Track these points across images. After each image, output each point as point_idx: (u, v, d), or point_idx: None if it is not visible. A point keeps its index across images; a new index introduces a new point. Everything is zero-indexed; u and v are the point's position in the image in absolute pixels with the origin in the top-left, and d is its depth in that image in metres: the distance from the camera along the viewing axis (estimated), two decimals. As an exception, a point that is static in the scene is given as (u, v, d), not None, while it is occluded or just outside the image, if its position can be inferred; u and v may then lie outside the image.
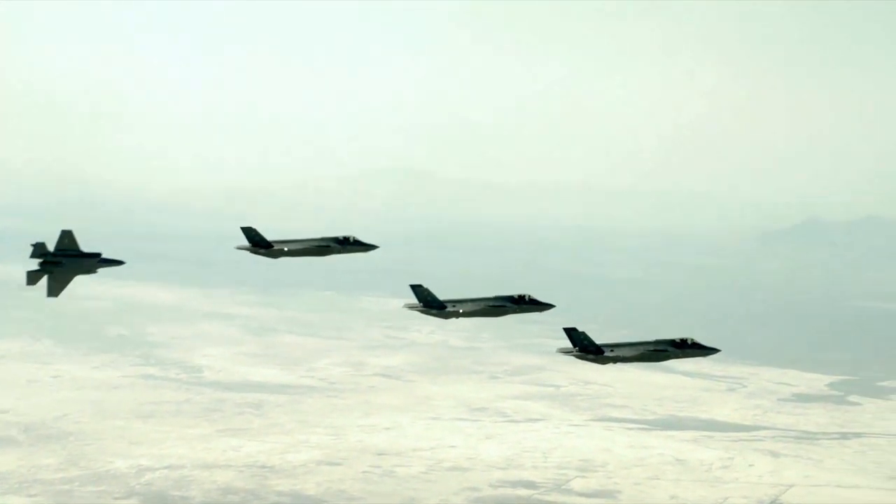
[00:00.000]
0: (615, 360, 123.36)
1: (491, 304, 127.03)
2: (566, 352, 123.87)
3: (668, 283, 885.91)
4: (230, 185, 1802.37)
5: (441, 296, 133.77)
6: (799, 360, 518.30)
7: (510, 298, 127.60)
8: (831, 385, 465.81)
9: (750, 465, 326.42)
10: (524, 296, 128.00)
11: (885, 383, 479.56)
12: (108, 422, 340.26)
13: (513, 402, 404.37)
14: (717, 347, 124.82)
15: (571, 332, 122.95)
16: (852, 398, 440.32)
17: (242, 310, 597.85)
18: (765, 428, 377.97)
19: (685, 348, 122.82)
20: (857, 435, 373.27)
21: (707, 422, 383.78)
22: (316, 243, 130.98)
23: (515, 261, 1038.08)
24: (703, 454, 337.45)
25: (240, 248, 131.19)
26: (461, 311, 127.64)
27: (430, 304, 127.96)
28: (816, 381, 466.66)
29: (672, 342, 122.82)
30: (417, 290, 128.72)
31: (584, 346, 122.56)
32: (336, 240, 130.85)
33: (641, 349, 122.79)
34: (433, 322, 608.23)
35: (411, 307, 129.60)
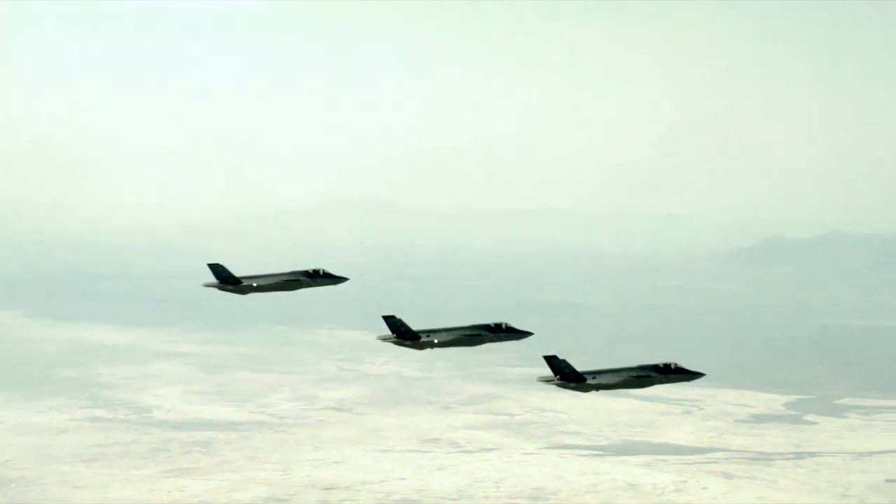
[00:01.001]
0: (598, 387, 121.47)
1: (467, 333, 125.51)
2: (547, 380, 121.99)
3: (631, 307, 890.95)
4: (186, 221, 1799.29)
5: (413, 326, 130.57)
6: (757, 381, 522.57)
7: (487, 327, 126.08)
8: (788, 405, 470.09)
9: (703, 488, 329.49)
10: (501, 324, 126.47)
11: (842, 401, 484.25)
12: (52, 467, 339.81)
13: (465, 432, 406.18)
14: (702, 371, 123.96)
15: (552, 361, 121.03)
16: (809, 417, 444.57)
17: (194, 347, 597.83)
18: (719, 450, 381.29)
19: (669, 373, 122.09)
20: (812, 454, 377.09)
21: (661, 445, 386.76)
22: (285, 277, 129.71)
23: (481, 288, 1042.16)
24: (656, 478, 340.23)
25: (207, 285, 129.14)
26: (436, 340, 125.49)
27: (403, 334, 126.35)
28: (773, 402, 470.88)
29: (655, 367, 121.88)
30: (390, 320, 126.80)
31: (565, 375, 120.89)
32: (305, 273, 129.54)
33: (624, 375, 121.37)
34: (387, 353, 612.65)
35: (384, 339, 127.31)
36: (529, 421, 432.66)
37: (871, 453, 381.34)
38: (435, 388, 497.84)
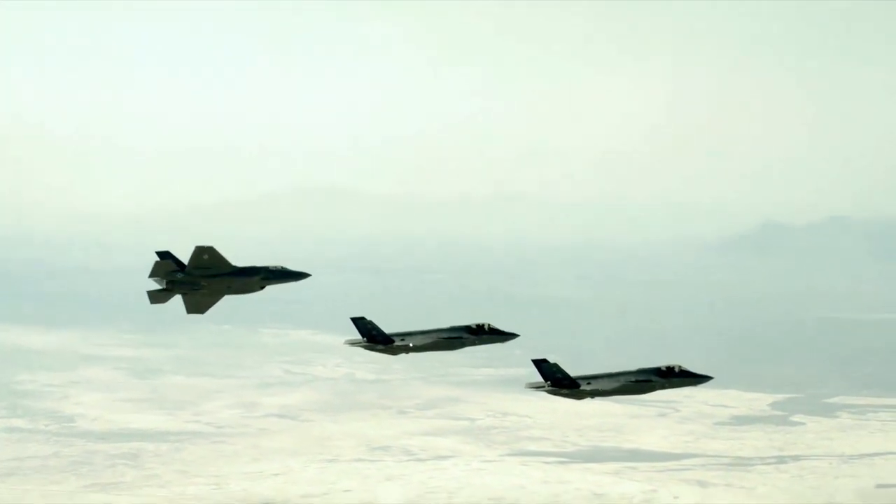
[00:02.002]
0: (593, 394, 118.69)
1: (445, 336, 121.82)
2: (536, 387, 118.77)
3: (613, 302, 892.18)
4: (130, 212, 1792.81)
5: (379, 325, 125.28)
6: (742, 379, 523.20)
7: (467, 329, 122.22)
8: (774, 405, 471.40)
9: (674, 498, 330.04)
10: (483, 325, 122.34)
11: (833, 400, 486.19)
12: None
13: (420, 439, 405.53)
14: (709, 375, 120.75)
15: (541, 365, 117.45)
16: (796, 418, 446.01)
17: (127, 351, 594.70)
18: (695, 455, 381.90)
19: (672, 377, 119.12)
20: (796, 458, 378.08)
21: (631, 452, 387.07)
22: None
23: (451, 281, 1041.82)
24: (625, 487, 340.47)
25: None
26: (411, 344, 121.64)
27: (374, 338, 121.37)
28: (758, 402, 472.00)
29: (657, 371, 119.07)
30: (360, 323, 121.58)
31: (557, 380, 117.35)
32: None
33: (622, 380, 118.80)
34: (339, 354, 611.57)
35: (353, 343, 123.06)
36: (491, 426, 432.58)
37: (861, 456, 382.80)
38: (390, 391, 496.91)
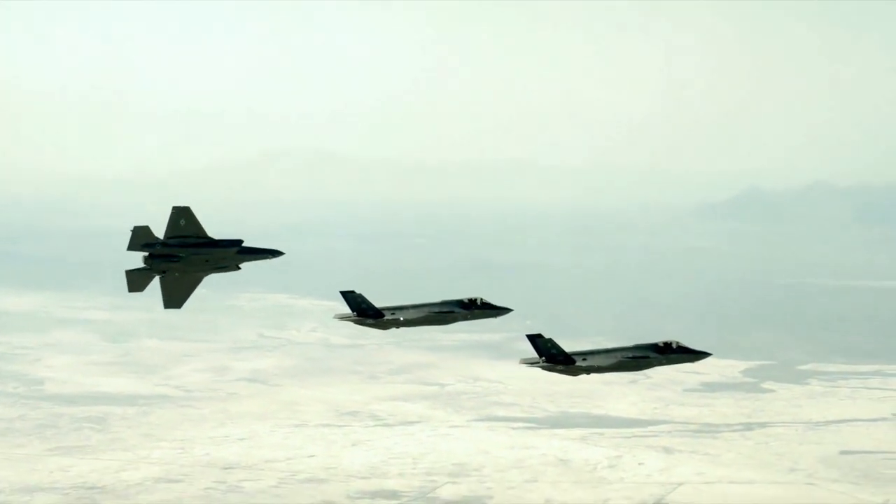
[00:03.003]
0: (588, 370, 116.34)
1: (437, 310, 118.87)
2: (531, 363, 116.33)
3: (591, 268, 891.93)
4: (105, 176, 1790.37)
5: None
6: (715, 346, 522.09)
7: (459, 303, 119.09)
8: (746, 372, 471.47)
9: (639, 464, 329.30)
10: (475, 299, 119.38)
11: (806, 367, 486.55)
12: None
13: (389, 404, 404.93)
14: (707, 351, 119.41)
15: (536, 340, 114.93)
16: (767, 385, 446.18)
17: (101, 314, 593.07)
18: (663, 422, 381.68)
19: (670, 353, 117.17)
20: (763, 425, 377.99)
21: (599, 418, 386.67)
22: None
23: (430, 247, 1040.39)
24: (590, 453, 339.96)
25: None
26: (402, 318, 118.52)
27: (364, 312, 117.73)
28: (730, 369, 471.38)
29: (654, 346, 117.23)
30: (349, 296, 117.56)
31: (551, 356, 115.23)
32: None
33: (619, 356, 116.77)
34: (315, 319, 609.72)
35: (343, 318, 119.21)
36: (461, 391, 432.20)
37: (827, 423, 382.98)
38: (363, 356, 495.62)
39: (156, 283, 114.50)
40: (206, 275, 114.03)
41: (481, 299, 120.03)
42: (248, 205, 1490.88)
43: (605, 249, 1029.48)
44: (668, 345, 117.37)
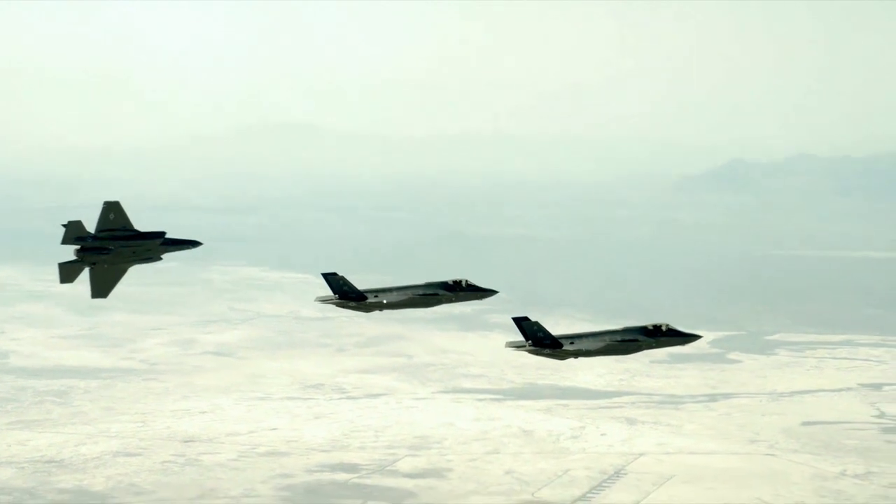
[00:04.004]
0: (576, 354, 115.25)
1: (421, 292, 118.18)
2: (517, 346, 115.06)
3: (570, 240, 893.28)
4: (81, 150, 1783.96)
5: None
6: (686, 317, 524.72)
7: (444, 285, 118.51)
8: (714, 342, 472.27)
9: (602, 435, 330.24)
10: (460, 281, 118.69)
11: (773, 337, 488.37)
12: None
13: (355, 377, 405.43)
14: (698, 333, 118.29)
15: (522, 323, 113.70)
16: (733, 356, 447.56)
17: (70, 287, 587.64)
18: (628, 393, 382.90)
19: (659, 336, 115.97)
20: (727, 396, 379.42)
21: (565, 389, 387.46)
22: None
23: (411, 221, 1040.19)
24: (553, 424, 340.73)
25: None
26: (385, 301, 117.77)
27: (346, 295, 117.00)
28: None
29: (644, 330, 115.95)
30: (331, 279, 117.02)
31: (538, 339, 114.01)
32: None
33: (607, 340, 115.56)
34: (287, 292, 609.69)
35: (324, 300, 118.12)
36: (428, 363, 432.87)
37: (792, 393, 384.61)
38: (332, 329, 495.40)
39: (85, 274, 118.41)
40: (132, 265, 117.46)
41: (466, 281, 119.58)
42: (227, 177, 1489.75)
43: (584, 221, 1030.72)
44: (657, 327, 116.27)
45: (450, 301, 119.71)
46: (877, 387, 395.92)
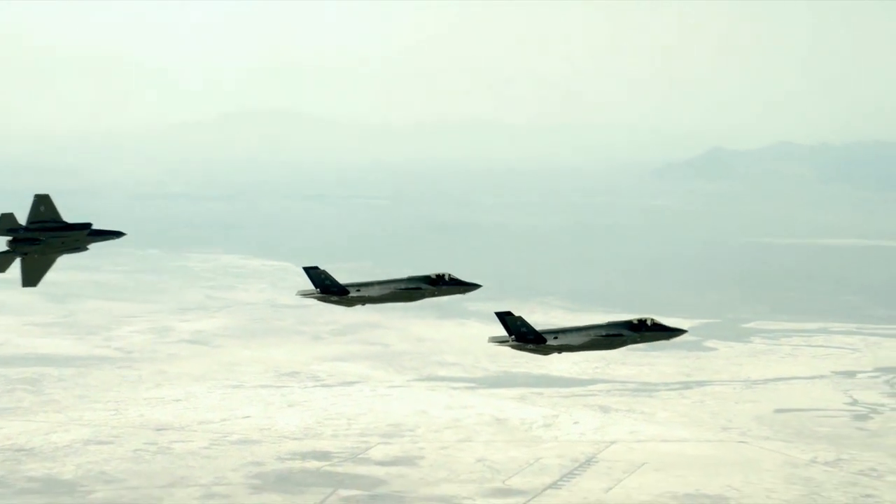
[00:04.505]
0: (560, 349, 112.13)
1: (403, 287, 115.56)
2: (500, 341, 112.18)
3: (547, 227, 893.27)
4: (63, 136, 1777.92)
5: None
6: (663, 305, 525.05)
7: (426, 279, 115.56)
8: (690, 330, 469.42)
9: (575, 423, 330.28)
10: (443, 275, 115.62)
11: (750, 325, 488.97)
12: None
13: (330, 365, 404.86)
14: (683, 328, 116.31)
15: (505, 318, 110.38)
16: (709, 343, 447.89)
17: (48, 274, 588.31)
18: (602, 381, 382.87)
19: (644, 331, 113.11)
20: (701, 384, 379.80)
21: (540, 377, 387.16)
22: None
23: (385, 207, 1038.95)
24: (527, 412, 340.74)
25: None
26: (367, 296, 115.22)
27: (328, 289, 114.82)
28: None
29: (629, 324, 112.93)
30: (312, 273, 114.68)
31: (521, 334, 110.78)
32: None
33: (592, 335, 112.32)
34: (265, 279, 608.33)
35: (306, 294, 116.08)
36: (404, 351, 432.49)
37: (766, 381, 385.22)
38: (309, 317, 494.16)
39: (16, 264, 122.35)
40: (60, 255, 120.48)
41: (449, 275, 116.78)
42: (207, 164, 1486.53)
43: (565, 209, 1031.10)
44: (642, 322, 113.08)
45: (432, 295, 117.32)
46: (850, 374, 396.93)
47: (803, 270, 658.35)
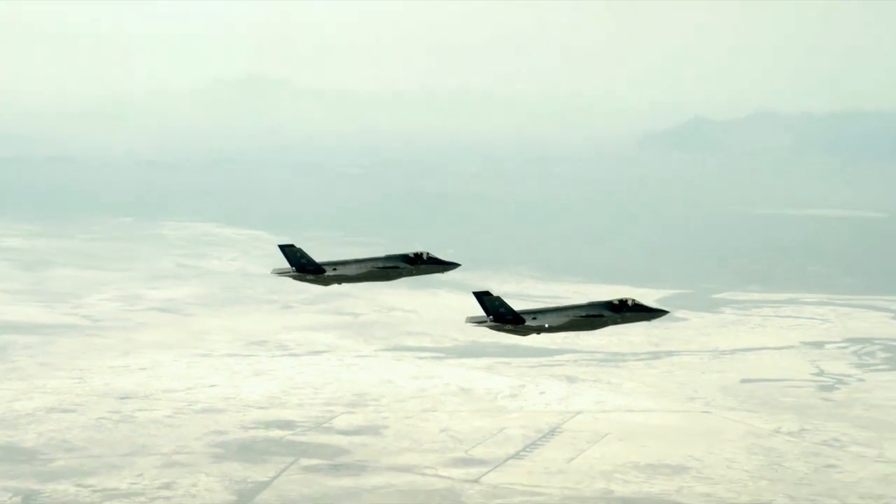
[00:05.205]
0: (539, 329, 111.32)
1: (381, 265, 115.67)
2: (478, 322, 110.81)
3: (524, 199, 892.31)
4: (37, 104, 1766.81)
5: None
6: (634, 275, 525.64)
7: (404, 258, 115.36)
8: (661, 300, 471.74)
9: (541, 393, 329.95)
10: (421, 254, 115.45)
11: (721, 295, 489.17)
12: None
13: (299, 334, 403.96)
14: (664, 308, 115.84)
15: (483, 298, 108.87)
16: (680, 314, 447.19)
17: (19, 241, 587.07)
18: (570, 351, 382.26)
19: (625, 311, 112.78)
20: (669, 354, 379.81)
21: (508, 347, 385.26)
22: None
23: (362, 177, 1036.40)
24: (493, 382, 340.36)
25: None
26: (344, 274, 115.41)
27: (304, 268, 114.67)
28: (645, 297, 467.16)
29: (609, 305, 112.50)
30: (288, 251, 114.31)
31: (499, 315, 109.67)
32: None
33: (571, 315, 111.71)
34: (238, 248, 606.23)
35: (281, 272, 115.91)
36: (374, 321, 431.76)
37: (734, 351, 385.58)
38: (279, 286, 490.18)
39: None
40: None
41: (427, 254, 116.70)
42: (186, 132, 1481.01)
43: (545, 180, 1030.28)
44: (623, 302, 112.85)
45: (410, 274, 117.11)
46: (819, 345, 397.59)
47: (777, 241, 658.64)
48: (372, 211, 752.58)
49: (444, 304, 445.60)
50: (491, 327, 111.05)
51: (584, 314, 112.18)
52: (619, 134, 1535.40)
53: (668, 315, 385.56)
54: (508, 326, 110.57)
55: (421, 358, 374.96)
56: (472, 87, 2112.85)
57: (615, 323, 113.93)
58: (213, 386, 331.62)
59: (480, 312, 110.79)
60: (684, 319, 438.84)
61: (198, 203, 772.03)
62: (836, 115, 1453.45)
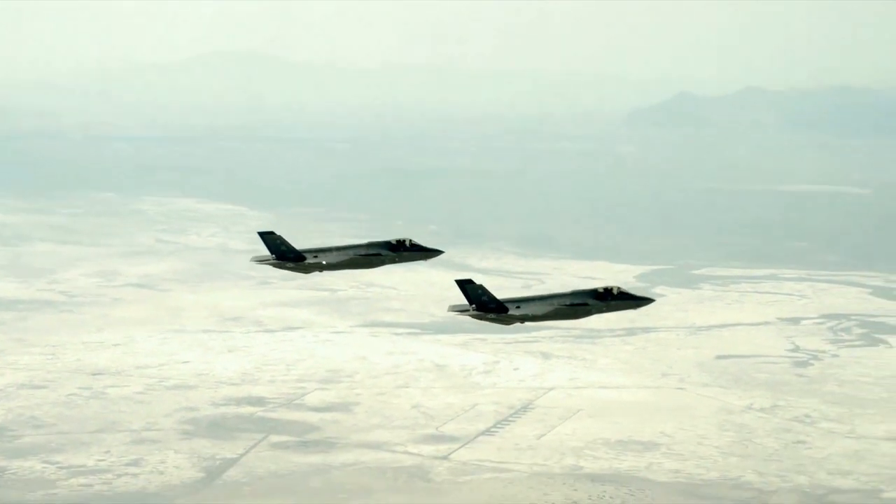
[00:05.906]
0: (523, 319, 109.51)
1: (363, 252, 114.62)
2: (460, 310, 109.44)
3: (507, 173, 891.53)
4: (24, 75, 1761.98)
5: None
6: (613, 251, 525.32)
7: (387, 245, 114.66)
8: (640, 276, 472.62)
9: (515, 369, 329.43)
10: (404, 241, 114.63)
11: (700, 271, 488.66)
12: None
13: (275, 310, 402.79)
14: (651, 297, 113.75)
15: (466, 286, 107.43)
16: (658, 289, 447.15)
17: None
18: (546, 328, 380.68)
19: (610, 300, 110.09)
20: (646, 330, 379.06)
21: (485, 324, 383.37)
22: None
23: (349, 152, 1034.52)
24: (468, 359, 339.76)
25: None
26: (325, 262, 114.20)
27: (284, 255, 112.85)
28: (624, 273, 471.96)
29: (594, 293, 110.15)
30: (268, 238, 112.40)
31: (482, 303, 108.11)
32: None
33: (555, 304, 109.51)
34: (217, 223, 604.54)
35: (261, 260, 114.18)
36: (352, 297, 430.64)
37: (710, 327, 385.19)
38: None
39: None
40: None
41: (410, 240, 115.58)
42: (171, 106, 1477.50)
43: (529, 155, 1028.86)
44: (608, 290, 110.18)
45: (392, 261, 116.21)
46: (795, 321, 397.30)
47: (759, 217, 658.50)
48: (355, 186, 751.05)
49: (423, 281, 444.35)
50: (473, 316, 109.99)
51: (568, 303, 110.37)
52: (605, 110, 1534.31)
53: (646, 291, 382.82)
54: (491, 316, 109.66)
55: (397, 334, 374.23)
56: (459, 62, 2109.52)
57: (600, 312, 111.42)
58: (186, 362, 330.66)
59: (463, 300, 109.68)
60: (662, 295, 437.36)
61: (179, 178, 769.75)
62: (822, 90, 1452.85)
